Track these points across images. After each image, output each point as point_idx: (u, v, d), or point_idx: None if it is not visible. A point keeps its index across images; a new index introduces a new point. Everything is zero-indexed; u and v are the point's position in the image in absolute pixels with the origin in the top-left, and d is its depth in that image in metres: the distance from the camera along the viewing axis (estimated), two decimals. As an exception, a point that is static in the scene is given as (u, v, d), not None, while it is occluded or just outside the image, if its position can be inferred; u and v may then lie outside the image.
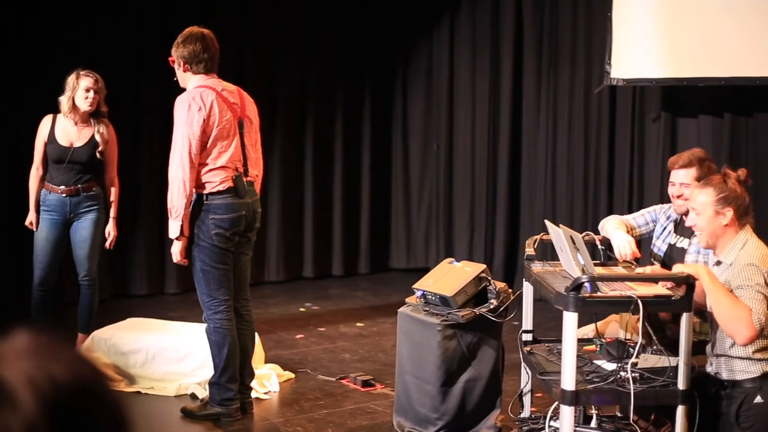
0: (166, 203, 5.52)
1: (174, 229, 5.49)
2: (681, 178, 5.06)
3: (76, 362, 1.07)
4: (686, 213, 5.08)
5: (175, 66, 5.62)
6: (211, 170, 5.49)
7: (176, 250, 5.53)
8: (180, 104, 5.50)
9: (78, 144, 6.45)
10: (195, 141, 5.41)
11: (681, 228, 5.14)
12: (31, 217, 6.53)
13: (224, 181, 5.50)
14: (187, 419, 5.76)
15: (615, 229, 5.20)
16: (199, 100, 5.45)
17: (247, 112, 5.67)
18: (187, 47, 5.55)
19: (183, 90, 5.66)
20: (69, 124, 6.46)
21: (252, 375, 5.91)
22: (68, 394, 1.02)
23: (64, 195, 6.46)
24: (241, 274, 5.78)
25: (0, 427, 0.98)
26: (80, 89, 6.40)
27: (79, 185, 6.47)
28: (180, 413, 5.81)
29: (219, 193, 5.50)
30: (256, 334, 6.55)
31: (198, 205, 5.50)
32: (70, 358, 1.07)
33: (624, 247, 5.07)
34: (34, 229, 6.51)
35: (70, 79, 6.42)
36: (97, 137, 6.47)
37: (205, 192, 5.49)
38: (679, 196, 5.06)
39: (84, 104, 6.41)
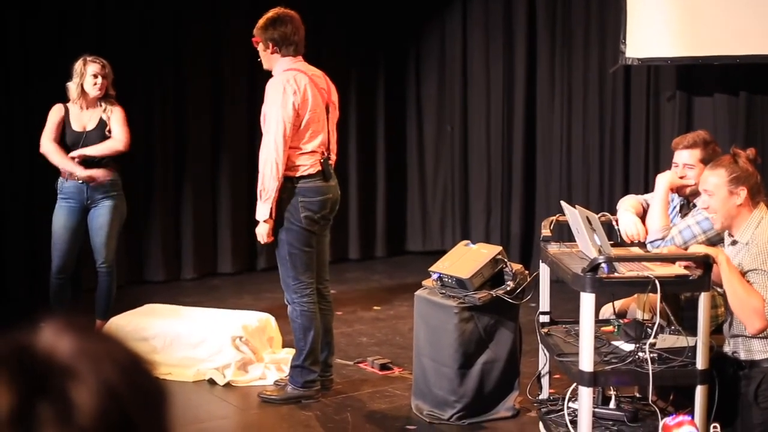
0: (256, 186, 5.51)
1: (264, 211, 5.51)
2: (685, 158, 5.02)
3: (119, 339, 1.08)
4: (690, 195, 5.06)
5: (260, 47, 5.63)
6: (302, 154, 5.54)
7: (263, 232, 5.54)
8: (274, 87, 5.51)
9: (90, 128, 6.49)
10: (289, 124, 5.44)
11: (685, 210, 5.11)
12: (68, 167, 6.48)
13: (314, 164, 5.58)
14: (266, 405, 5.76)
15: (623, 210, 5.17)
16: (293, 83, 5.48)
17: (332, 97, 5.75)
18: (277, 29, 5.56)
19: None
20: (79, 110, 6.49)
21: (333, 353, 6.04)
22: (126, 369, 1.04)
23: (80, 182, 6.47)
24: (323, 256, 5.87)
25: (69, 403, 0.98)
26: (88, 75, 6.43)
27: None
28: (259, 400, 5.82)
29: (309, 176, 5.57)
30: (273, 318, 6.59)
31: (286, 189, 5.52)
32: (113, 336, 1.08)
33: (629, 228, 5.04)
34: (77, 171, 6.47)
35: (77, 66, 6.46)
36: (104, 116, 6.51)
37: (296, 175, 5.53)
38: (682, 177, 5.02)
39: (93, 90, 6.44)
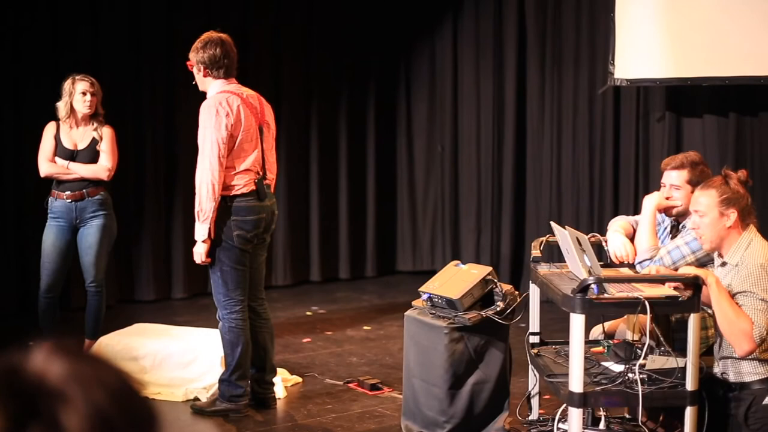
0: (193, 206, 5.61)
1: (202, 231, 5.58)
2: (672, 179, 5.04)
3: (110, 362, 1.08)
4: (678, 216, 5.07)
5: (194, 70, 5.73)
6: (236, 173, 5.61)
7: (201, 251, 5.61)
8: (207, 109, 5.60)
9: (81, 146, 6.49)
10: (223, 145, 5.53)
11: (675, 231, 5.13)
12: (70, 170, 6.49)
13: (247, 184, 5.64)
14: (197, 417, 5.84)
15: (613, 231, 5.19)
16: (225, 105, 5.57)
17: (266, 117, 5.81)
18: (207, 52, 5.65)
19: (202, 94, 5.75)
20: (69, 129, 6.50)
21: (274, 371, 6.06)
22: (116, 393, 1.04)
23: (69, 200, 6.46)
24: (256, 274, 5.92)
25: (59, 427, 0.98)
26: (77, 93, 6.46)
27: (84, 190, 6.49)
28: (190, 410, 5.90)
29: (242, 195, 5.63)
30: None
31: (220, 207, 5.59)
32: (103, 359, 1.08)
33: (619, 249, 5.05)
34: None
35: (66, 85, 6.48)
36: (95, 135, 6.51)
37: (230, 194, 5.61)
38: (668, 198, 5.05)
39: (83, 107, 6.45)
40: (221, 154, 5.51)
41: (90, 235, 6.53)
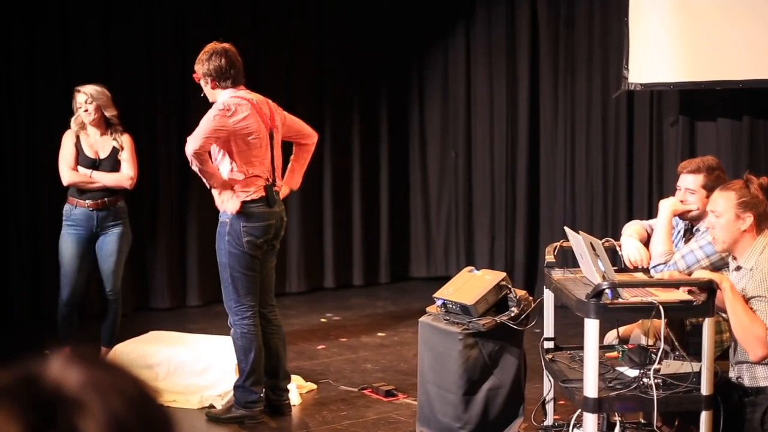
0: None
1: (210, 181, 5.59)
2: (687, 183, 5.04)
3: (127, 370, 1.09)
4: (692, 220, 5.07)
5: (202, 83, 5.72)
6: (246, 179, 5.61)
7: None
8: (212, 110, 5.59)
9: (103, 155, 6.52)
10: (211, 139, 5.48)
11: (688, 235, 5.12)
12: (94, 179, 6.50)
13: (258, 190, 5.64)
14: (212, 424, 5.85)
15: (627, 236, 5.18)
16: (232, 108, 5.55)
17: (276, 122, 5.80)
18: (212, 63, 5.63)
19: (211, 105, 5.73)
20: (88, 139, 6.52)
21: (287, 377, 6.06)
22: (134, 401, 1.04)
23: (90, 209, 6.47)
24: (266, 281, 5.92)
25: None
26: (78, 107, 6.46)
27: (106, 199, 6.50)
28: (205, 418, 5.91)
29: (252, 201, 5.63)
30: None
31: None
32: (121, 366, 1.09)
33: (633, 253, 5.05)
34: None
35: (74, 99, 6.48)
36: (115, 144, 6.53)
37: (240, 200, 5.60)
38: (682, 201, 5.04)
39: (86, 118, 6.48)
40: (204, 148, 5.47)
41: (111, 242, 6.55)
